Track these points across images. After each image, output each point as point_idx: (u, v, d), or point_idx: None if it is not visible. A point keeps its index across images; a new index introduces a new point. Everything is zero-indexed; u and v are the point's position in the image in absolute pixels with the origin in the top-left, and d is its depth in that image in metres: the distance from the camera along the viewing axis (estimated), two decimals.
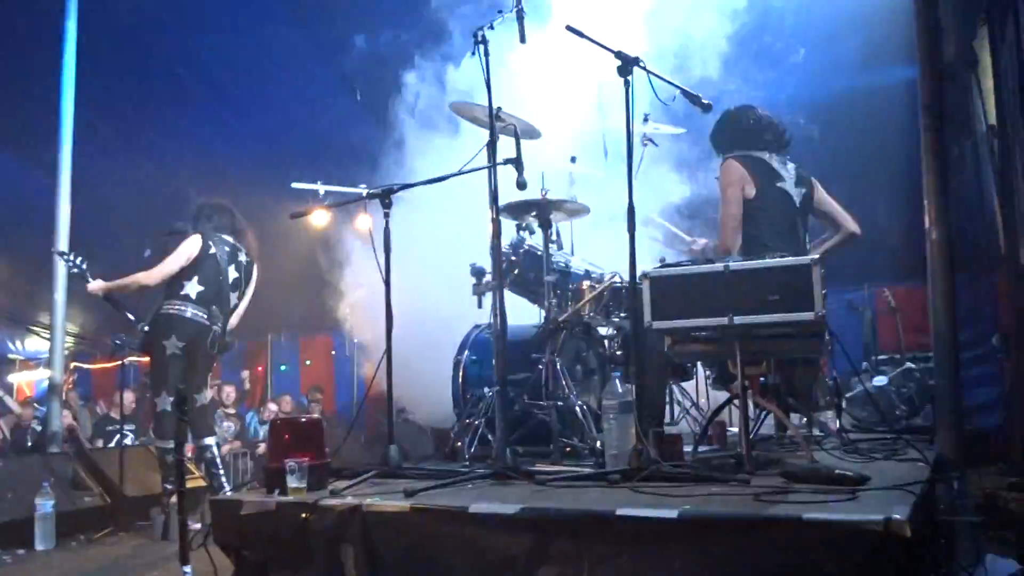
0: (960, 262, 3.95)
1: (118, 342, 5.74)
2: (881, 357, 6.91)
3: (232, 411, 9.39)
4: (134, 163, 8.70)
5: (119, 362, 6.29)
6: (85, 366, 11.35)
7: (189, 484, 5.14)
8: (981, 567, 2.98)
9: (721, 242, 4.09)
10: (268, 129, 8.80)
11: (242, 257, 5.50)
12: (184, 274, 5.21)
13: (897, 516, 2.03)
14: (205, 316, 5.22)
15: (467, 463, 3.83)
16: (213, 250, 5.32)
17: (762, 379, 3.62)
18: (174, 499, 4.68)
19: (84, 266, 5.35)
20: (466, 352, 4.56)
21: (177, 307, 5.17)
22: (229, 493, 4.91)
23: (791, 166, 4.21)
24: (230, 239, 5.45)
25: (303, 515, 2.84)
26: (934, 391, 4.01)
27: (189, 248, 5.25)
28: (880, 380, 6.12)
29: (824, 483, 2.61)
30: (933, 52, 3.94)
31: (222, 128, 8.78)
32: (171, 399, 4.97)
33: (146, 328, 5.18)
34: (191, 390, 5.15)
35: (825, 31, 6.40)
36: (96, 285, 5.24)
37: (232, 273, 5.43)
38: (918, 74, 3.96)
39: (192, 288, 5.19)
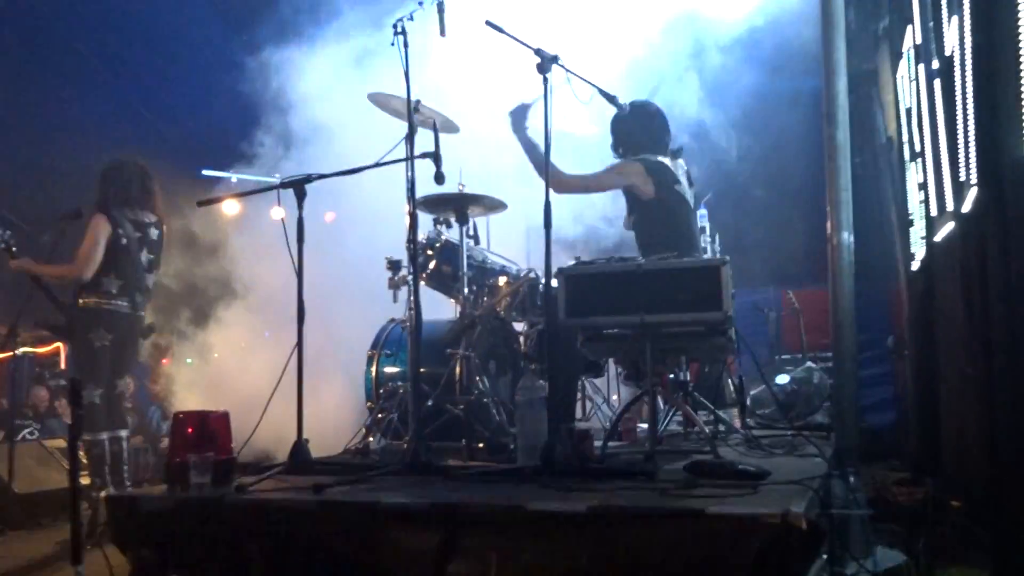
0: (859, 267, 4.13)
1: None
2: (784, 357, 7.17)
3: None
4: (28, 143, 8.23)
5: (10, 353, 5.96)
6: None
7: (84, 480, 4.93)
8: (871, 558, 3.13)
9: (552, 180, 3.72)
10: (176, 111, 8.48)
11: (154, 234, 5.31)
12: (100, 269, 5.00)
13: (794, 509, 2.10)
14: (129, 306, 5.10)
15: (379, 458, 3.80)
16: (124, 240, 5.10)
17: (671, 376, 3.72)
18: (103, 493, 4.59)
19: (12, 241, 5.09)
20: (380, 346, 4.52)
21: (99, 300, 5.00)
22: (129, 489, 4.75)
23: (682, 166, 4.36)
24: (138, 215, 5.22)
25: (205, 512, 2.76)
26: (833, 390, 4.19)
27: (102, 232, 5.01)
28: (783, 379, 6.34)
29: (728, 478, 2.69)
30: (836, 64, 4.10)
31: (126, 108, 8.40)
32: (99, 391, 4.94)
33: (60, 322, 5.02)
34: (115, 377, 5.10)
35: (738, 37, 6.57)
36: (23, 263, 5.03)
37: (145, 256, 5.25)
38: (823, 83, 4.12)
39: (111, 283, 5.03)
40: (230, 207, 7.92)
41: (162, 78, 8.28)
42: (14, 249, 5.07)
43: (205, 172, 7.08)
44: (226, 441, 3.18)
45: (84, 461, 5.33)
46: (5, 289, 6.32)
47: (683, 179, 4.32)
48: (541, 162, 3.67)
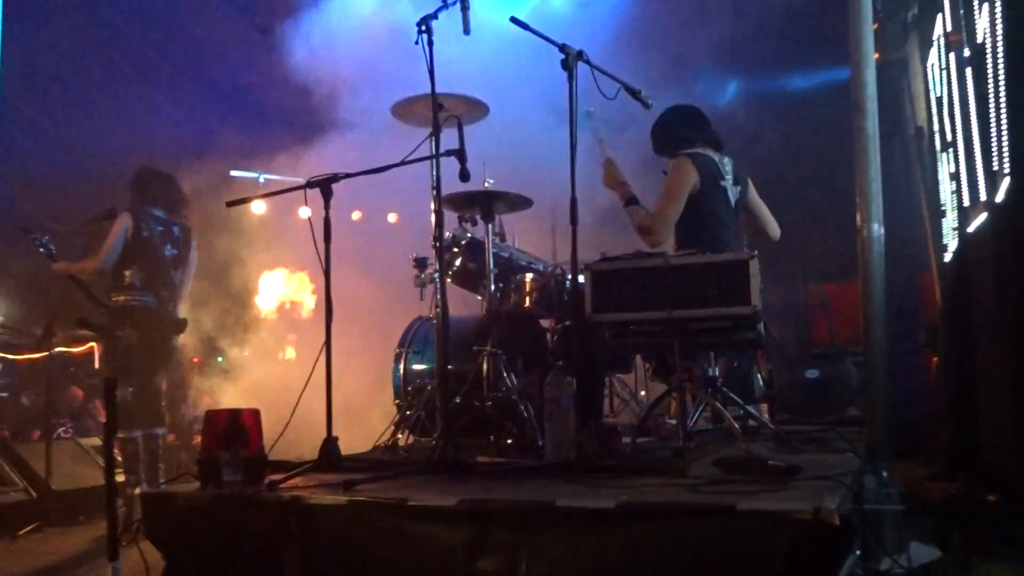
0: (890, 259, 4.07)
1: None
2: (815, 351, 7.09)
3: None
4: (62, 147, 8.37)
5: (45, 353, 6.06)
6: (10, 357, 10.92)
7: (120, 478, 5.01)
8: (905, 554, 3.09)
9: (653, 235, 3.99)
10: (206, 113, 8.57)
11: (177, 231, 5.42)
12: (123, 264, 5.16)
13: (826, 505, 2.08)
14: (155, 301, 5.21)
15: (407, 455, 3.82)
16: (145, 232, 5.24)
17: (699, 371, 3.69)
18: (137, 490, 4.71)
19: (51, 247, 5.31)
20: (408, 343, 4.54)
21: (126, 297, 5.15)
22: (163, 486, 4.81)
23: (728, 163, 4.28)
24: (162, 214, 5.33)
25: (238, 509, 2.79)
26: (864, 384, 4.13)
27: (121, 225, 5.19)
28: (813, 373, 6.28)
29: (758, 473, 2.67)
30: (866, 53, 4.04)
31: (157, 112, 8.52)
32: (130, 389, 5.08)
33: (100, 320, 5.16)
34: (150, 374, 5.22)
35: (755, 26, 6.51)
36: (60, 266, 5.25)
37: (169, 251, 5.34)
38: (851, 73, 4.06)
39: (134, 276, 5.15)
40: (258, 207, 8.01)
41: (192, 81, 8.39)
42: (54, 252, 5.24)
43: (233, 173, 7.15)
44: (257, 438, 3.21)
45: (119, 458, 5.43)
46: (42, 291, 6.45)
47: (728, 174, 4.23)
48: (643, 218, 3.87)
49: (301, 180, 3.65)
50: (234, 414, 3.24)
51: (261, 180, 7.20)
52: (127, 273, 5.14)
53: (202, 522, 2.86)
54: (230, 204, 3.99)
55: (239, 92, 8.36)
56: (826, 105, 6.60)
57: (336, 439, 3.43)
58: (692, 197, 4.07)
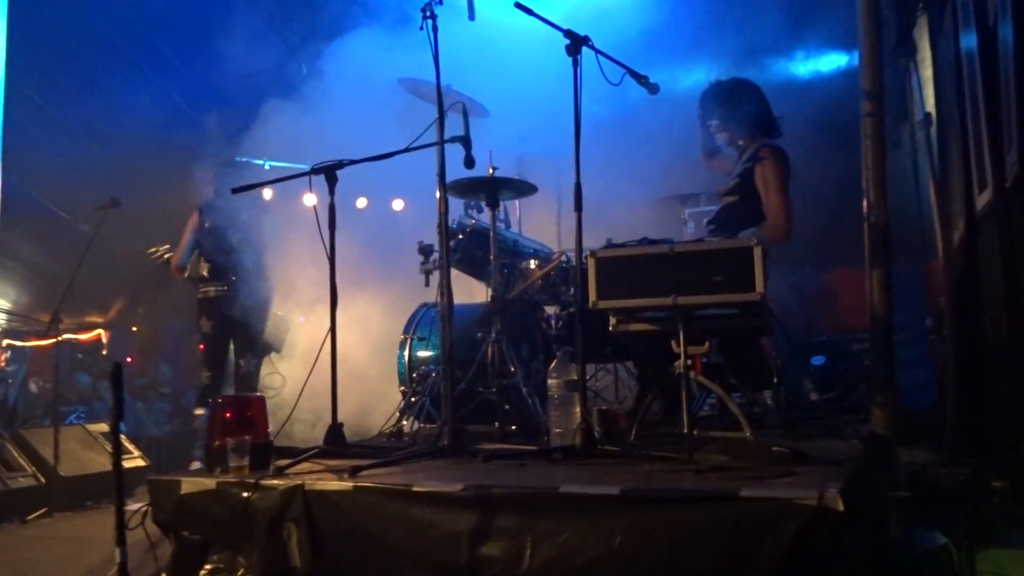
0: (896, 246, 4.05)
1: None
2: (820, 338, 7.07)
3: (168, 390, 9.15)
4: (69, 135, 8.38)
5: (54, 340, 6.08)
6: (18, 343, 10.98)
7: (127, 464, 5.04)
8: (911, 540, 3.09)
9: (782, 233, 4.04)
10: (211, 101, 8.55)
11: (243, 215, 5.60)
12: (195, 256, 5.60)
13: (831, 492, 2.08)
14: (224, 287, 5.49)
15: (412, 441, 3.83)
16: (207, 223, 5.57)
17: (704, 358, 3.68)
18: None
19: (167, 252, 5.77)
20: (413, 330, 4.54)
21: (202, 290, 5.56)
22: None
23: None
24: (228, 205, 5.49)
25: (244, 494, 2.80)
26: (870, 371, 4.12)
27: (190, 222, 5.68)
28: (819, 360, 6.27)
29: (762, 460, 2.67)
30: (874, 39, 4.01)
31: (165, 100, 8.50)
32: (207, 373, 5.48)
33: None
34: (238, 357, 5.57)
35: (754, 11, 6.44)
36: (175, 275, 5.78)
37: (232, 235, 5.53)
38: (859, 60, 4.03)
39: (204, 267, 5.54)
40: (263, 193, 7.99)
41: (197, 69, 8.37)
42: (167, 257, 5.72)
43: (238, 159, 7.13)
44: (263, 425, 3.23)
45: (128, 446, 5.50)
46: (49, 279, 6.46)
47: None
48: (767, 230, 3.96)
49: (306, 167, 3.66)
50: (240, 401, 3.26)
51: (267, 167, 7.18)
52: (198, 266, 5.54)
53: (209, 507, 2.88)
54: (236, 191, 3.99)
55: (245, 78, 8.32)
56: (831, 89, 6.55)
57: (342, 425, 3.45)
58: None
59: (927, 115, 6.08)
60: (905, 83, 6.55)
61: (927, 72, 6.05)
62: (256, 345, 5.62)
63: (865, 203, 3.97)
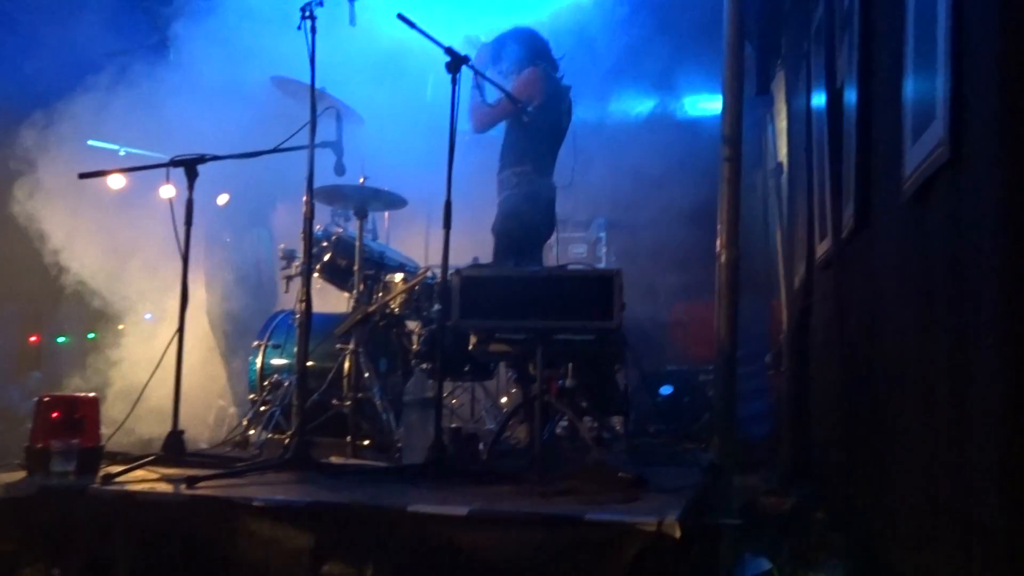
0: (743, 284, 4.29)
1: None
2: (670, 368, 7.37)
3: None
4: None
5: None
6: None
7: None
8: (739, 564, 3.26)
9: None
10: (61, 78, 7.97)
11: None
12: None
13: (669, 518, 2.17)
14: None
15: (259, 452, 3.69)
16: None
17: (559, 382, 3.76)
18: None
19: None
20: (268, 336, 4.40)
21: None
22: None
23: (568, 95, 4.52)
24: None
25: (68, 502, 2.61)
26: (713, 401, 4.33)
27: None
28: (667, 389, 6.53)
29: (608, 484, 2.74)
30: (738, 90, 4.26)
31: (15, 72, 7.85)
32: None
33: None
34: None
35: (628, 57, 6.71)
36: None
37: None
38: (722, 108, 4.27)
39: None
40: (115, 181, 7.52)
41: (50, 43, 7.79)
42: None
43: (91, 143, 6.68)
44: (95, 428, 3.03)
45: None
46: None
47: (566, 104, 4.46)
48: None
49: (165, 157, 3.49)
50: (70, 401, 3.05)
51: (121, 153, 6.76)
52: None
53: (27, 515, 2.66)
54: (84, 176, 3.74)
55: (106, 57, 7.81)
56: (692, 135, 6.93)
57: (182, 432, 3.28)
58: (529, 112, 4.30)
59: (779, 164, 6.51)
60: (762, 132, 7.00)
61: (782, 124, 6.48)
62: None
63: (718, 242, 4.19)
